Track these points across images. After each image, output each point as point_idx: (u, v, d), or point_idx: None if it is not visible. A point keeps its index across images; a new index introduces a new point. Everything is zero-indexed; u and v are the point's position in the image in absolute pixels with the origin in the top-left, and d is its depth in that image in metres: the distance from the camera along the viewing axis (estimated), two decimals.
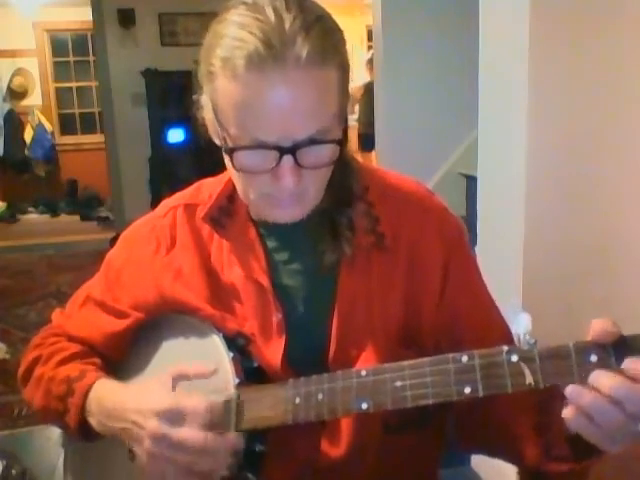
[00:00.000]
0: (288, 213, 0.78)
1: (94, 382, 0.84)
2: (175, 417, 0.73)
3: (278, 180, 0.72)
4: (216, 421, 0.75)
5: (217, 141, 0.77)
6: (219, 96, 0.71)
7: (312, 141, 0.71)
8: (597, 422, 0.59)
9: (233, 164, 0.74)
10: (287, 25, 0.67)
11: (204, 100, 0.76)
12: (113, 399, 0.81)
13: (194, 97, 0.77)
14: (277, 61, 0.67)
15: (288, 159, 0.71)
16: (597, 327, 0.59)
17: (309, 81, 0.68)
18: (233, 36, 0.69)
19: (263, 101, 0.68)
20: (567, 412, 0.61)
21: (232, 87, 0.69)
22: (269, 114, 0.69)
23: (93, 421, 0.83)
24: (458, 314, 0.85)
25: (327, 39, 0.70)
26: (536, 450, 0.74)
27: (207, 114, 0.76)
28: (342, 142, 0.74)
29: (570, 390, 0.60)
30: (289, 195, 0.74)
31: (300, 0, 0.71)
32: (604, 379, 0.58)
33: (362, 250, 0.83)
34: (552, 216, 1.45)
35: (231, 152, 0.73)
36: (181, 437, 0.71)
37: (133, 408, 0.76)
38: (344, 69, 0.74)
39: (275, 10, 0.68)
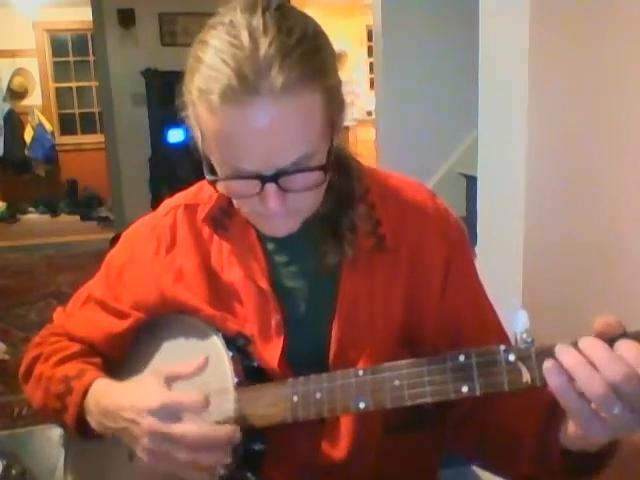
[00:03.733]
0: (280, 228, 0.77)
1: (92, 381, 0.84)
2: (171, 413, 0.73)
3: (264, 203, 0.72)
4: (215, 421, 0.75)
5: (203, 161, 0.75)
6: (201, 124, 0.71)
7: (295, 168, 0.69)
8: (579, 384, 0.58)
9: (217, 190, 0.74)
10: (262, 52, 0.65)
11: (191, 119, 0.75)
12: (110, 398, 0.81)
13: (183, 114, 0.76)
14: (251, 93, 0.65)
15: (271, 186, 0.70)
16: (601, 322, 0.59)
17: (286, 110, 0.66)
18: (209, 64, 0.67)
19: (240, 133, 0.67)
20: (548, 364, 0.60)
21: (210, 119, 0.68)
22: (247, 145, 0.68)
23: (92, 420, 0.83)
24: (457, 315, 0.85)
25: (308, 63, 0.66)
26: (531, 457, 0.74)
27: (196, 133, 0.76)
28: (326, 168, 0.72)
29: (558, 347, 0.60)
30: (278, 213, 0.73)
31: (280, 18, 0.67)
32: (590, 342, 0.59)
33: (364, 252, 0.83)
34: (552, 216, 1.45)
35: (213, 182, 0.73)
36: (178, 432, 0.72)
37: (128, 406, 0.77)
38: (330, 90, 0.71)
39: (251, 34, 0.66)
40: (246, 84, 0.64)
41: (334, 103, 0.72)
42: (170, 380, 0.78)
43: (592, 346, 0.59)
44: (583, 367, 0.58)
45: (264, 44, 0.65)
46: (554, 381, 0.60)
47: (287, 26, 0.67)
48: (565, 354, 0.59)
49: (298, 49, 0.66)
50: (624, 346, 0.58)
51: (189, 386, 0.79)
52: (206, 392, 0.76)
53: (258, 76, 0.64)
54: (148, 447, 0.74)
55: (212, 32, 0.69)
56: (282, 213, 0.73)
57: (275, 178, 0.69)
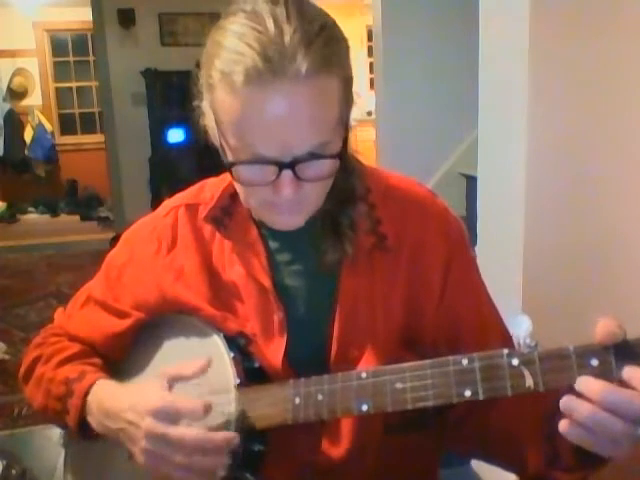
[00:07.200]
0: (288, 221, 0.78)
1: (93, 383, 0.84)
2: (171, 416, 0.73)
3: (277, 191, 0.72)
4: (216, 422, 0.75)
5: (220, 149, 0.77)
6: (219, 108, 0.71)
7: (311, 155, 0.70)
8: (595, 432, 0.58)
9: (233, 177, 0.74)
10: (287, 38, 0.66)
11: (205, 107, 0.75)
12: (111, 400, 0.81)
13: (195, 103, 0.77)
14: (275, 76, 0.65)
15: (287, 173, 0.70)
16: (602, 328, 0.59)
17: (308, 95, 0.67)
18: (231, 48, 0.68)
19: (262, 116, 0.67)
20: (563, 425, 0.59)
21: (231, 101, 0.68)
22: (268, 129, 0.68)
23: (93, 421, 0.83)
24: (458, 314, 0.85)
25: (329, 51, 0.68)
26: (540, 459, 0.74)
27: (209, 122, 0.76)
28: (342, 156, 0.73)
29: (563, 402, 0.59)
30: (289, 203, 0.74)
31: (302, 9, 0.69)
32: (593, 386, 0.58)
33: (364, 251, 0.83)
34: (552, 216, 1.45)
35: (230, 166, 0.73)
36: (177, 435, 0.72)
37: (129, 408, 0.76)
38: (346, 80, 0.73)
39: (275, 20, 0.67)
40: (272, 66, 0.65)
41: (349, 94, 0.75)
42: (172, 381, 0.78)
43: (599, 390, 0.57)
44: (599, 416, 0.57)
45: (288, 31, 0.67)
46: (575, 439, 0.59)
47: (309, 15, 0.69)
48: (575, 409, 0.58)
49: (320, 37, 0.68)
50: (630, 374, 0.57)
51: (190, 387, 0.79)
52: (207, 399, 0.75)
53: (283, 60, 0.65)
54: (146, 448, 0.73)
55: (232, 18, 0.70)
56: (292, 203, 0.74)
57: (292, 165, 0.70)
